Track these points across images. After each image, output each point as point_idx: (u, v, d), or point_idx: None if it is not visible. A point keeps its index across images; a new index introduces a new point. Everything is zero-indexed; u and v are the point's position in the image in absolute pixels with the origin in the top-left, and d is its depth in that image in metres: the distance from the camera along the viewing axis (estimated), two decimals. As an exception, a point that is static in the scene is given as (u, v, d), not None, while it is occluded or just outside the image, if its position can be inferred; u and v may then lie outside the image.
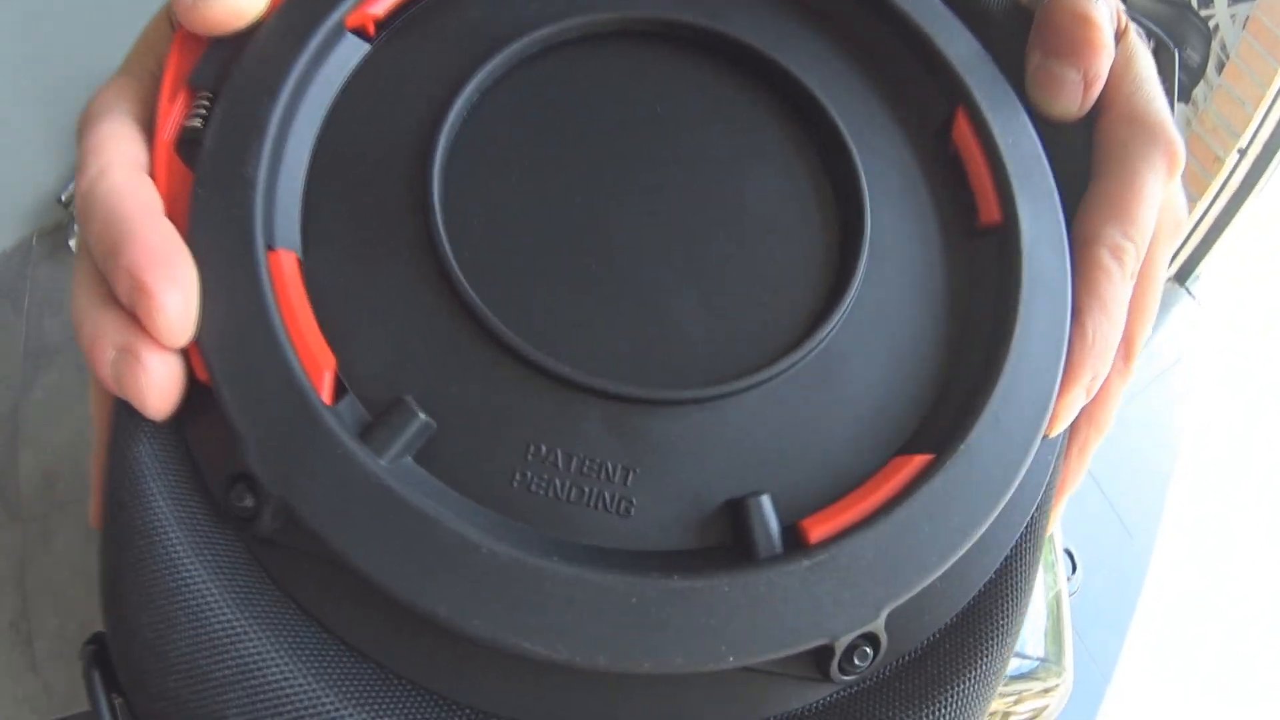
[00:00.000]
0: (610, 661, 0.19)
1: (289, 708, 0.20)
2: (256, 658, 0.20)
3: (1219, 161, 1.97)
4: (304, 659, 0.21)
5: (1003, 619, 0.24)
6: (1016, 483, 0.22)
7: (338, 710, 0.20)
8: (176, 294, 0.21)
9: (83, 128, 0.24)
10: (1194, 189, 2.01)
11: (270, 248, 0.22)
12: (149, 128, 0.24)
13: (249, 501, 0.20)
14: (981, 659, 0.23)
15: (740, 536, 0.22)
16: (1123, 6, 0.28)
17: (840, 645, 0.21)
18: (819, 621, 0.20)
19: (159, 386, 0.22)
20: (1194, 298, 2.23)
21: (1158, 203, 0.26)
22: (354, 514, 0.20)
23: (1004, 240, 0.25)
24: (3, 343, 1.91)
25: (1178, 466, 1.88)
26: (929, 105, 0.27)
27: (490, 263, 0.23)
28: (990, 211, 0.25)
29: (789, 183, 0.25)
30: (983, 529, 0.22)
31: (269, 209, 0.22)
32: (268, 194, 0.22)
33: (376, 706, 0.21)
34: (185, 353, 0.22)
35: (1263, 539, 1.74)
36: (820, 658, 0.21)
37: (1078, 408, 0.25)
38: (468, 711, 0.21)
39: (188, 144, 0.23)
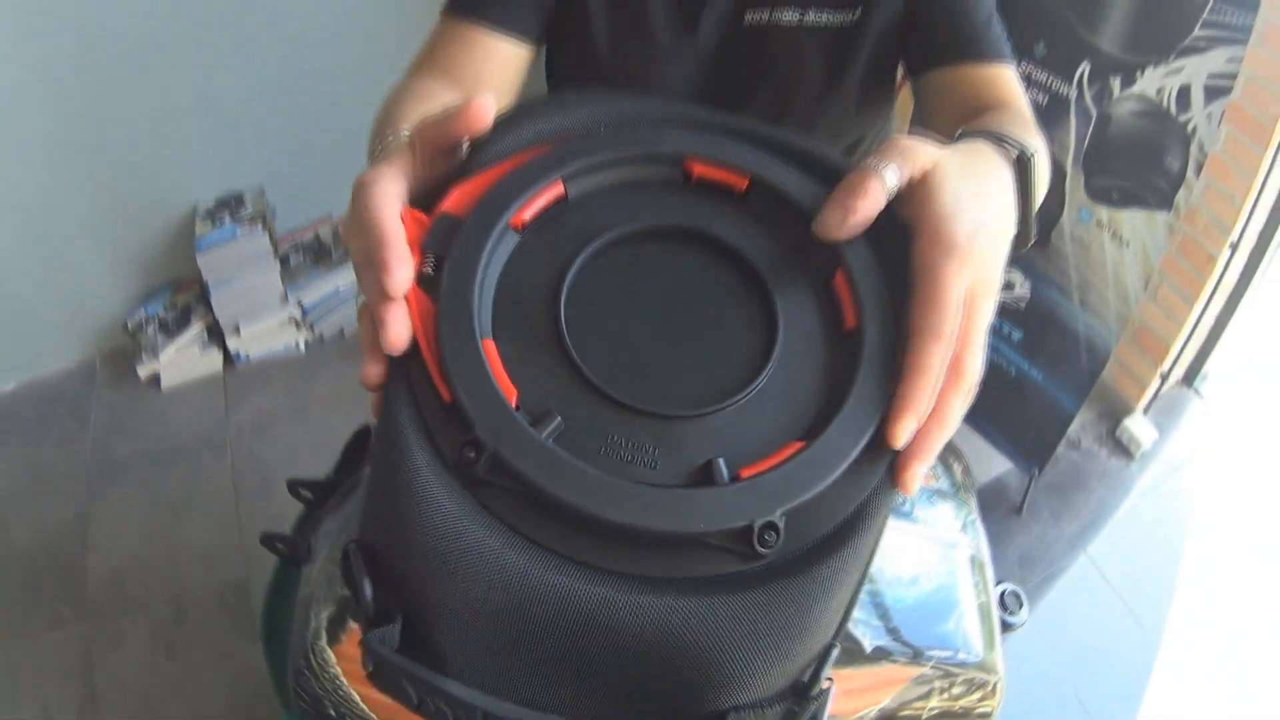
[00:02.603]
0: (659, 523, 0.37)
1: (483, 561, 0.37)
2: (468, 537, 0.38)
3: (1212, 260, 2.00)
4: (494, 535, 0.38)
5: (856, 538, 0.40)
6: (848, 462, 0.39)
7: (511, 561, 0.37)
8: (403, 271, 0.39)
9: (359, 183, 0.43)
10: (1189, 289, 2.05)
11: (483, 337, 0.40)
12: (404, 178, 0.44)
13: (471, 455, 0.38)
14: (840, 554, 0.39)
15: (710, 477, 0.39)
16: (929, 157, 0.44)
17: (756, 526, 0.38)
18: (745, 513, 0.38)
19: (395, 324, 0.40)
20: (1202, 397, 2.28)
21: (959, 293, 0.41)
22: (534, 462, 0.38)
23: (856, 339, 0.42)
24: (68, 454, 2.10)
25: (1186, 556, 1.93)
26: (823, 267, 0.44)
27: (591, 349, 0.41)
28: (851, 323, 0.43)
29: (745, 310, 0.44)
30: (828, 481, 0.39)
31: (480, 320, 0.41)
32: (478, 313, 0.41)
33: (532, 559, 0.38)
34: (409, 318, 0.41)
35: (1268, 630, 1.78)
36: (746, 536, 0.38)
37: (910, 429, 0.40)
38: (574, 564, 0.38)
39: (425, 280, 0.41)
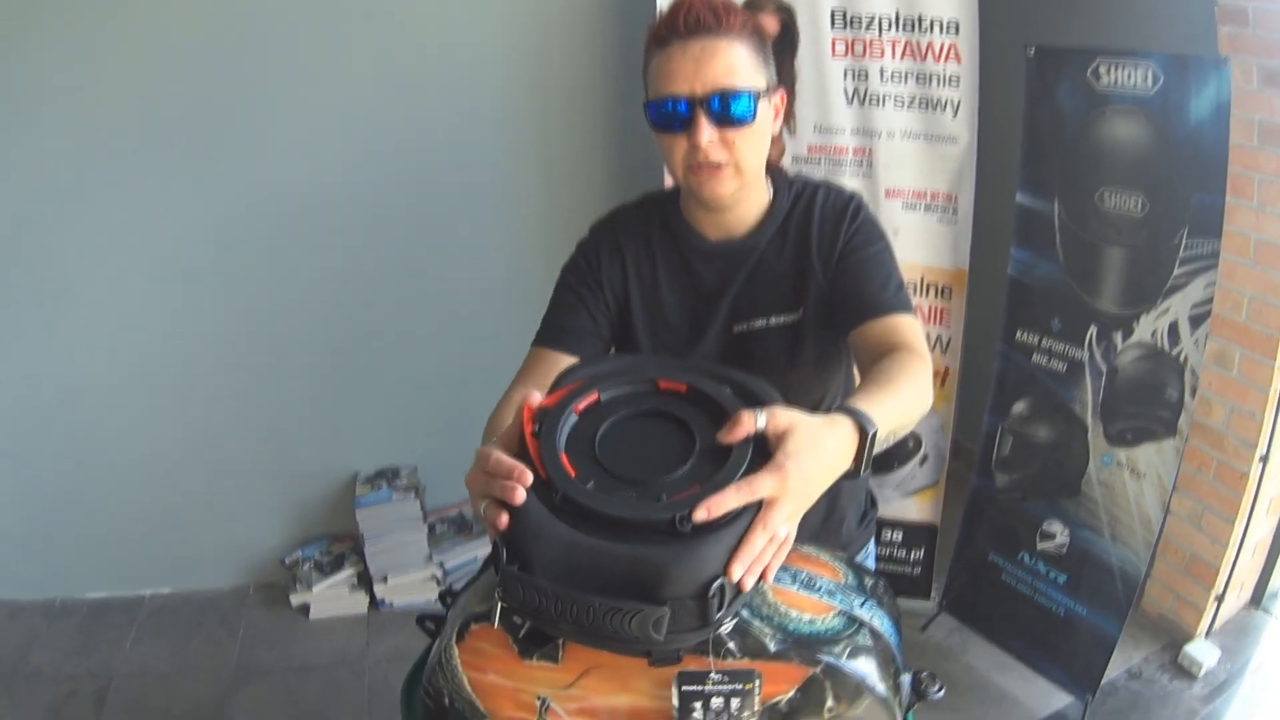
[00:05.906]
0: (634, 515, 0.73)
1: (554, 534, 0.72)
2: (548, 525, 0.73)
3: (1245, 478, 2.11)
4: (559, 525, 0.73)
5: (723, 531, 0.72)
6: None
7: (566, 532, 0.72)
8: (521, 491, 0.74)
9: (481, 450, 0.78)
10: (1229, 511, 2.15)
11: (561, 452, 0.79)
12: (504, 446, 0.79)
13: (553, 495, 0.75)
14: (712, 537, 0.72)
15: (658, 499, 0.75)
16: (786, 420, 0.77)
17: (676, 517, 0.72)
18: (670, 512, 0.73)
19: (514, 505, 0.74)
20: (1271, 614, 2.33)
21: (765, 491, 0.73)
22: (579, 495, 0.74)
23: (728, 455, 0.78)
24: (214, 653, 2.40)
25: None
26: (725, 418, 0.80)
27: (607, 456, 0.79)
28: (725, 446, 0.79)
29: (681, 442, 0.80)
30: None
31: (558, 445, 0.79)
32: (559, 443, 0.79)
33: (576, 532, 0.72)
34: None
35: None
36: (671, 522, 0.72)
37: (748, 561, 0.73)
38: (595, 534, 0.72)
39: (535, 431, 0.79)
